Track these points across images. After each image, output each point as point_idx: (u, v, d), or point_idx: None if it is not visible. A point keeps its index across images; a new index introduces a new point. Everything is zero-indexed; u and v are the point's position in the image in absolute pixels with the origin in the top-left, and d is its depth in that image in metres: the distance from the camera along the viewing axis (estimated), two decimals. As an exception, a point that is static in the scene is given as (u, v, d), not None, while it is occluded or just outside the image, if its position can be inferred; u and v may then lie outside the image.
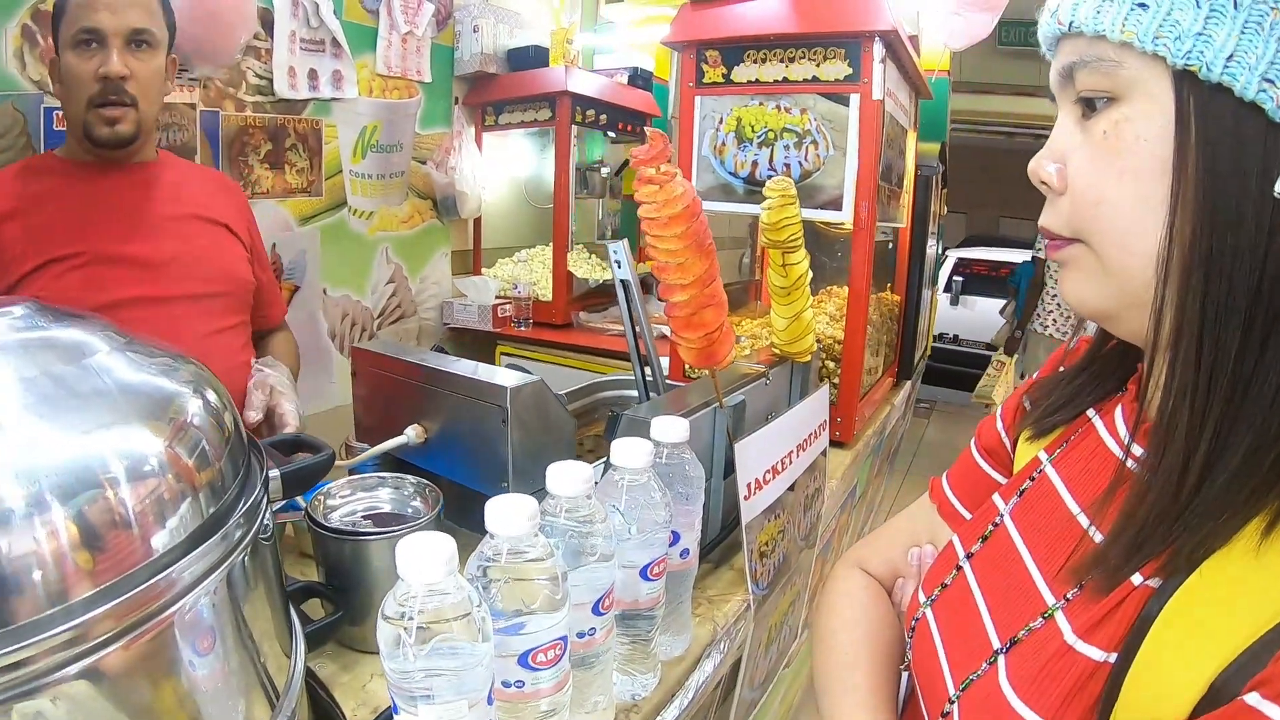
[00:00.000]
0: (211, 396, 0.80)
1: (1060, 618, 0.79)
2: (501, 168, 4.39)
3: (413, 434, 1.55)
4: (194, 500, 0.70)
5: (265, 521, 0.82)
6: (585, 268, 4.16)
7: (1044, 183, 0.82)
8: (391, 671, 0.79)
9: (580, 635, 1.01)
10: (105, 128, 1.85)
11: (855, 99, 2.13)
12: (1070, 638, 0.76)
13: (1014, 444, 1.11)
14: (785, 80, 2.20)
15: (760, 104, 2.24)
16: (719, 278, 1.37)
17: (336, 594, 1.24)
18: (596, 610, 1.01)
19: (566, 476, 0.97)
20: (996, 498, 1.02)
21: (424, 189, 3.93)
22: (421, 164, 3.87)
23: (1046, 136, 0.83)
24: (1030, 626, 0.81)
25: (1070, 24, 0.75)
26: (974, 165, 9.03)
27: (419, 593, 0.77)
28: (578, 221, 4.27)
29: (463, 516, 1.35)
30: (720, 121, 2.31)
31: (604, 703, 1.10)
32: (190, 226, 2.03)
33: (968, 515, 1.13)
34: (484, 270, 4.31)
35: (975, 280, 10.16)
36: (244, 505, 0.76)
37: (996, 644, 0.84)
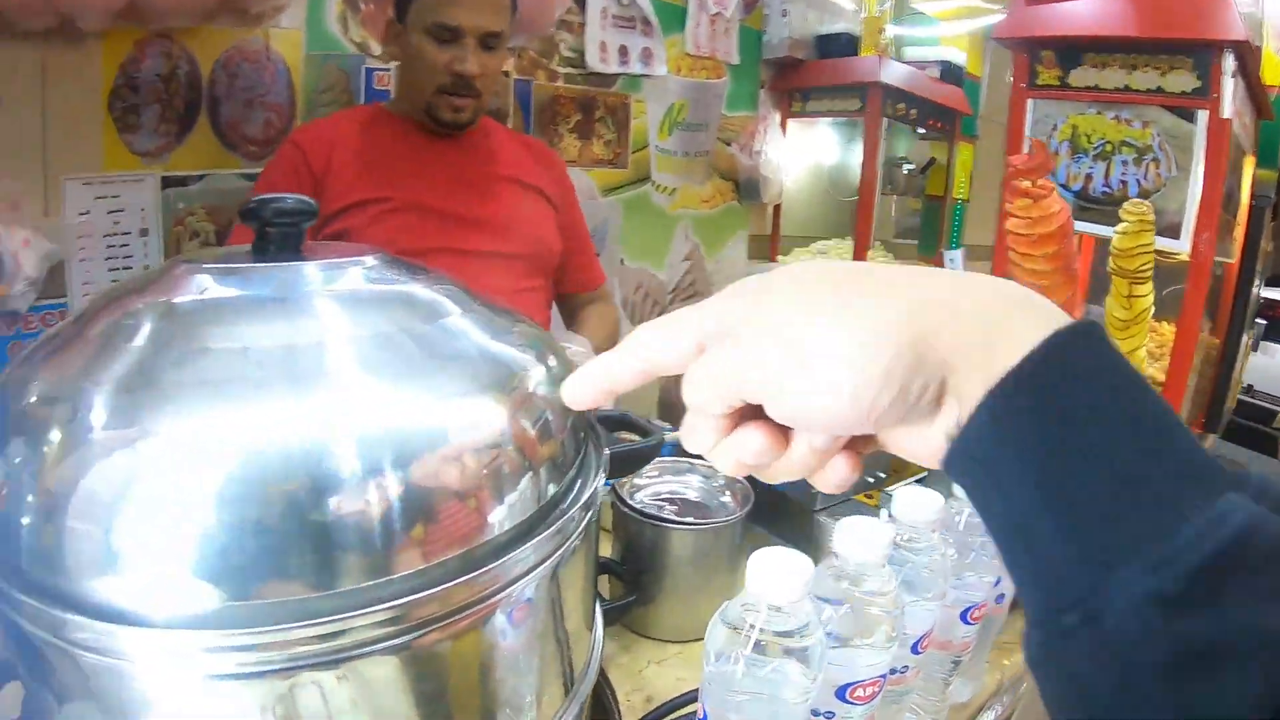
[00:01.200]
0: (554, 363, 0.75)
1: None
2: (804, 155, 4.30)
3: (725, 424, 1.48)
4: (534, 477, 0.65)
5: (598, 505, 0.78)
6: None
7: None
8: (714, 678, 0.73)
9: (893, 672, 0.92)
10: (450, 113, 1.94)
11: (1202, 116, 1.95)
12: None
13: None
14: (1126, 89, 2.02)
15: (1098, 112, 2.08)
16: (1082, 305, 1.27)
17: (630, 575, 1.22)
18: (915, 649, 0.92)
19: (916, 503, 0.90)
20: None
21: (727, 170, 3.90)
22: (726, 145, 3.84)
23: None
24: None
25: None
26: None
27: (764, 609, 0.71)
28: (876, 217, 4.13)
29: (764, 518, 1.31)
30: (1054, 129, 2.17)
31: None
32: (504, 188, 2.08)
33: None
34: (779, 257, 4.22)
35: (1278, 325, 9.27)
36: (584, 493, 0.71)
37: None
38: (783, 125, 4.02)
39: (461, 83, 1.90)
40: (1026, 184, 1.13)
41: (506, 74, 2.99)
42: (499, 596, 0.62)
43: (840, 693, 0.81)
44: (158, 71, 2.23)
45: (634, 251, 3.60)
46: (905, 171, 4.51)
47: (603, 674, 1.10)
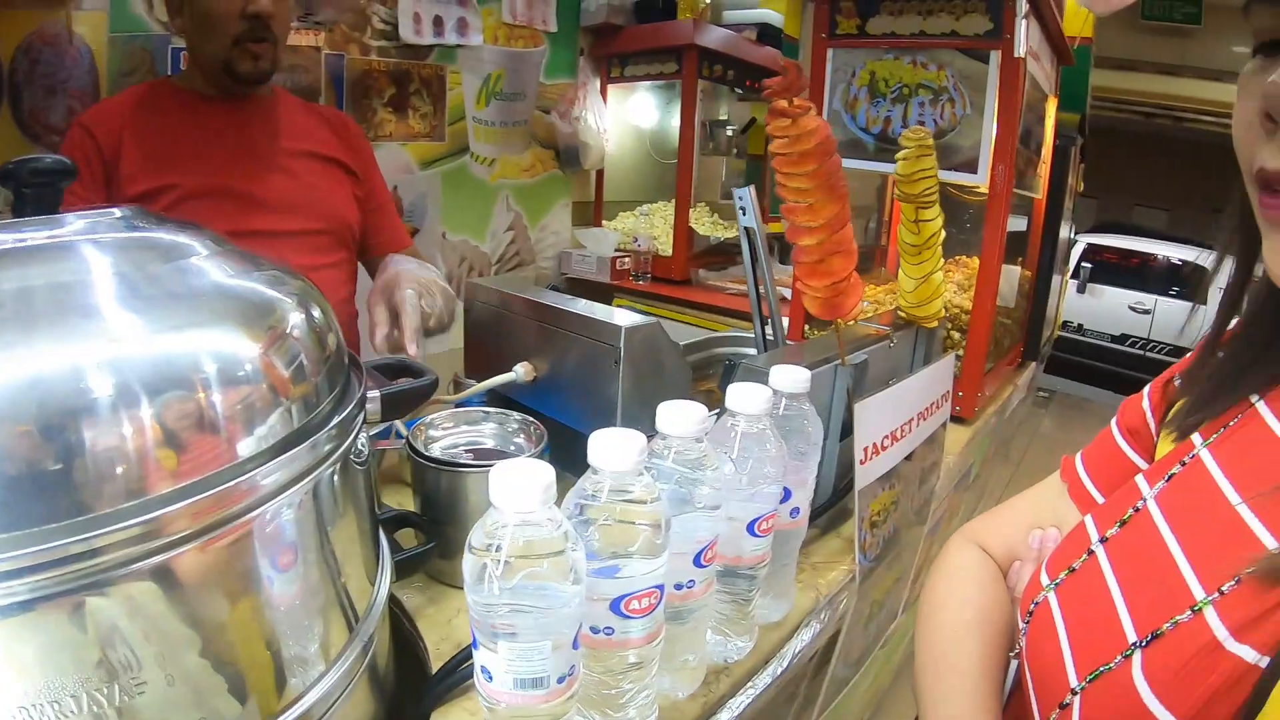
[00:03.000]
0: (316, 312, 0.78)
1: (1211, 613, 0.69)
2: (625, 120, 4.36)
3: (521, 371, 1.51)
4: (285, 410, 0.68)
5: (360, 444, 0.80)
6: (707, 225, 4.12)
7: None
8: (474, 604, 0.75)
9: (678, 587, 0.95)
10: (251, 63, 1.87)
11: (995, 56, 2.02)
12: (1221, 635, 0.67)
13: (1159, 427, 1.01)
14: (922, 34, 2.08)
15: (895, 58, 2.14)
16: (850, 225, 1.30)
17: (430, 525, 1.22)
18: (698, 562, 0.94)
19: (679, 416, 0.91)
20: (1140, 480, 0.92)
21: (547, 138, 3.92)
22: (545, 114, 3.86)
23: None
24: (1176, 620, 0.72)
25: None
26: (1109, 147, 8.66)
27: (510, 523, 0.73)
28: (700, 178, 4.21)
29: (568, 459, 1.31)
30: (853, 75, 2.22)
31: (694, 661, 1.04)
32: (300, 163, 2.02)
33: (1101, 498, 1.04)
34: (604, 222, 4.28)
35: (1104, 268, 9.76)
36: (337, 419, 0.73)
37: (1133, 636, 0.75)
38: (603, 91, 4.07)
39: (258, 24, 1.82)
40: (784, 103, 1.15)
41: (317, 49, 2.94)
42: (253, 515, 0.64)
43: (615, 606, 0.83)
44: (-49, 58, 2.11)
45: (455, 224, 3.59)
46: (728, 133, 4.57)
47: (413, 624, 1.13)
